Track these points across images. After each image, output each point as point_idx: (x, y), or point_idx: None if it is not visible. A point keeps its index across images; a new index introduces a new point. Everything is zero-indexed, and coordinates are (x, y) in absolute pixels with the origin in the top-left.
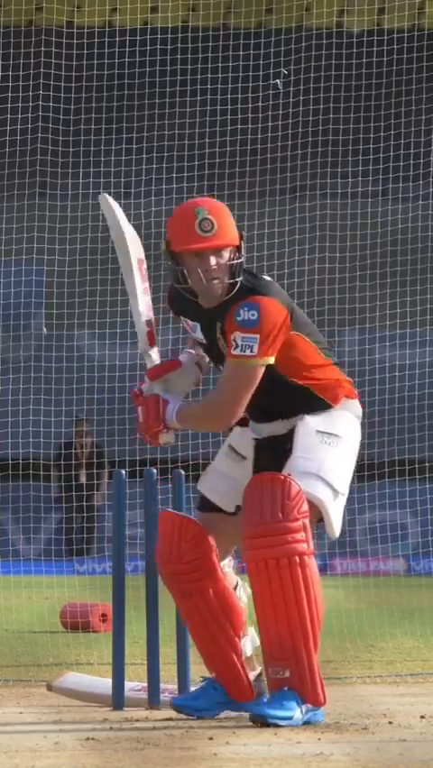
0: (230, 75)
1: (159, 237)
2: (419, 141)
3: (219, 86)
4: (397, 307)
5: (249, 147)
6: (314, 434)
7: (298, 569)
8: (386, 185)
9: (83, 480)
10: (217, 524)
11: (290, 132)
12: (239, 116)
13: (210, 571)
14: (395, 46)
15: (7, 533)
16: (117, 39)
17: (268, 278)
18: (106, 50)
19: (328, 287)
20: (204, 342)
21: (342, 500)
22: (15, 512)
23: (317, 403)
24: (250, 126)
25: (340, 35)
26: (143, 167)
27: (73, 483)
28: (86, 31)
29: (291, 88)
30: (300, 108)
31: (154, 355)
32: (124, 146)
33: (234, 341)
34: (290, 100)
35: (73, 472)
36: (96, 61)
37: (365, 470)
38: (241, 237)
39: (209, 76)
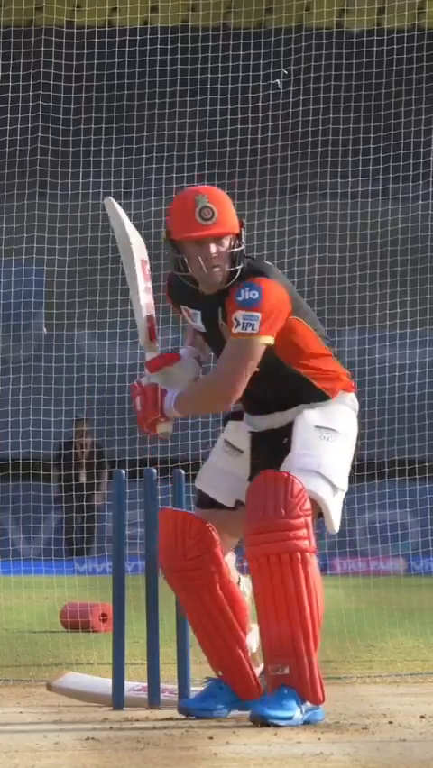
0: (230, 75)
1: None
2: (418, 141)
3: (219, 86)
4: (397, 307)
5: (249, 147)
6: (312, 429)
7: (299, 565)
8: (386, 185)
9: (83, 479)
10: (218, 520)
11: (290, 132)
12: (239, 116)
13: (216, 566)
14: (395, 46)
15: (7, 533)
16: (117, 39)
17: (268, 263)
18: (106, 50)
19: (328, 287)
20: (203, 330)
21: (341, 495)
22: (15, 512)
23: (316, 394)
24: (250, 126)
25: (340, 35)
26: (143, 167)
27: (73, 483)
28: (86, 30)
29: (291, 88)
30: (300, 108)
31: (154, 350)
32: (124, 146)
33: (236, 319)
34: (290, 100)
35: (73, 472)
36: (96, 61)
37: (365, 470)
38: (241, 225)
39: (209, 76)
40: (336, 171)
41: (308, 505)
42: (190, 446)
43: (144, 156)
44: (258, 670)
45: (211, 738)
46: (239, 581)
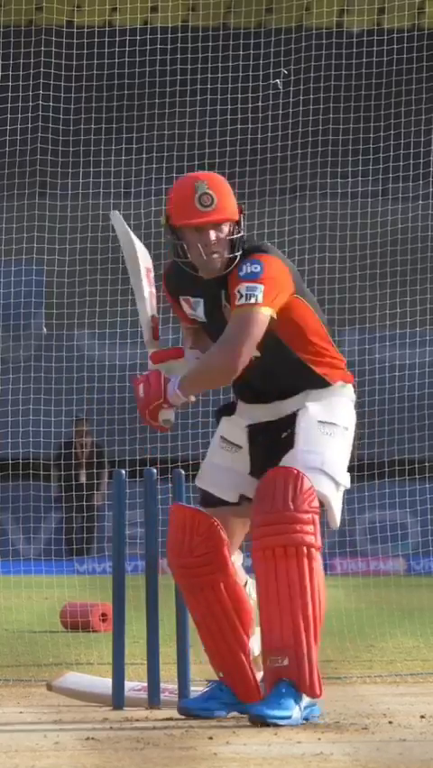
0: (230, 75)
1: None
2: (418, 141)
3: (219, 86)
4: (397, 307)
5: (249, 147)
6: (315, 425)
7: (304, 559)
8: (386, 185)
9: (83, 479)
10: (223, 517)
11: (290, 132)
12: (239, 116)
13: (222, 565)
14: (395, 46)
15: (7, 533)
16: (117, 39)
17: (269, 244)
18: (106, 50)
19: (328, 287)
20: (204, 320)
21: (342, 491)
22: (15, 512)
23: (316, 380)
24: (250, 126)
25: (340, 35)
26: (143, 167)
27: (73, 483)
28: (86, 30)
29: (291, 88)
30: (300, 108)
31: (157, 347)
32: (124, 146)
33: (239, 292)
34: (290, 100)
35: (73, 472)
36: (96, 61)
37: (365, 470)
38: (240, 211)
39: (209, 76)
40: (336, 171)
41: (316, 503)
42: (190, 446)
43: (144, 156)
44: (259, 675)
45: (211, 738)
46: (246, 584)
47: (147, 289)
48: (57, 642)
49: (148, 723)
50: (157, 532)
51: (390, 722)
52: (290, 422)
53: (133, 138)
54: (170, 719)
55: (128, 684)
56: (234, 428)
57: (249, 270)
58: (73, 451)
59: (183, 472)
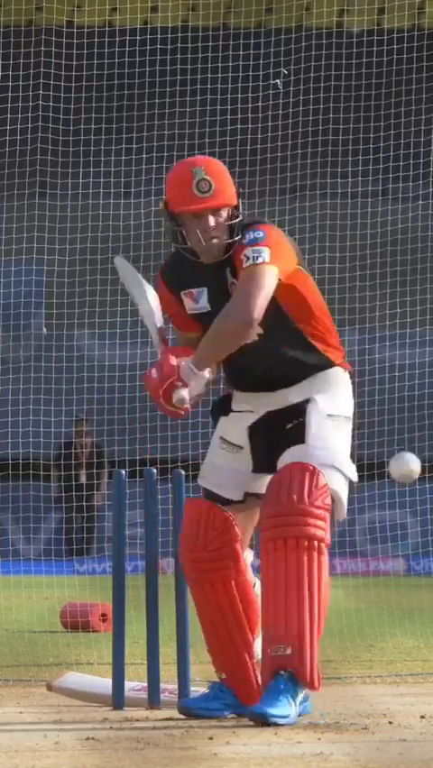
0: (230, 75)
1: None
2: (418, 141)
3: (219, 86)
4: (397, 307)
5: (249, 147)
6: (325, 418)
7: (315, 553)
8: (386, 185)
9: (83, 480)
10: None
11: (290, 132)
12: (239, 116)
13: (234, 561)
14: (395, 46)
15: (7, 533)
16: (117, 39)
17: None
18: (106, 50)
19: (328, 287)
20: (207, 311)
21: (348, 483)
22: (15, 512)
23: (319, 359)
24: (250, 126)
25: (340, 35)
26: (143, 167)
27: (73, 483)
28: (86, 30)
29: (291, 88)
30: (300, 108)
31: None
32: (124, 146)
33: (245, 256)
34: (290, 100)
35: (73, 472)
36: (96, 61)
37: (365, 471)
38: (238, 195)
39: (209, 76)
40: (336, 171)
41: (329, 500)
42: (190, 446)
43: (144, 156)
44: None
45: (211, 738)
46: (254, 585)
47: (159, 320)
48: (57, 642)
49: (148, 723)
50: (157, 532)
51: (390, 722)
52: (295, 413)
53: (133, 138)
54: (170, 719)
55: (128, 684)
56: (234, 428)
57: (253, 236)
58: (73, 451)
59: (183, 472)
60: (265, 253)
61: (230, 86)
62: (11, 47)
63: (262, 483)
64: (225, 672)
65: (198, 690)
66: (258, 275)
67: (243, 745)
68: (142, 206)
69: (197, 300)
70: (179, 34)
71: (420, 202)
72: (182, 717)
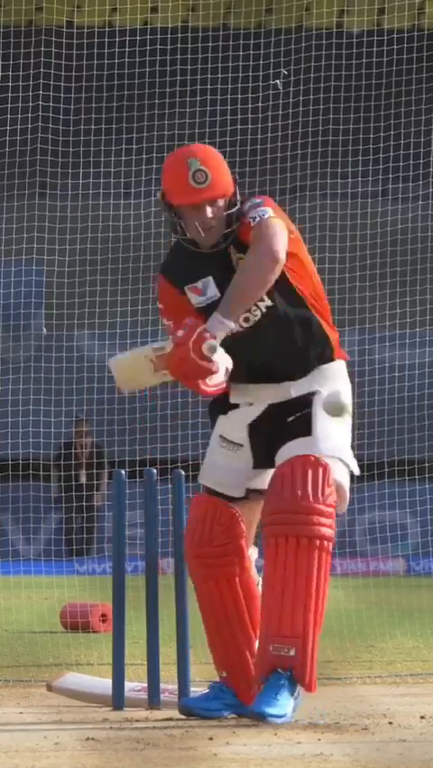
0: (230, 75)
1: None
2: (418, 142)
3: (219, 86)
4: (397, 307)
5: (249, 147)
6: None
7: (322, 552)
8: (386, 185)
9: (83, 480)
10: None
11: (289, 132)
12: (239, 116)
13: (239, 557)
14: (395, 46)
15: (7, 533)
16: (117, 39)
17: None
18: (106, 50)
19: (328, 287)
20: (216, 299)
21: (350, 475)
22: (15, 512)
23: (324, 345)
24: (250, 126)
25: (340, 35)
26: (143, 167)
27: (73, 483)
28: (86, 31)
29: (291, 88)
30: (300, 108)
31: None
32: (124, 146)
33: (251, 218)
34: (290, 100)
35: (73, 472)
36: (96, 61)
37: (365, 471)
38: (235, 182)
39: (209, 76)
40: (336, 171)
41: (335, 496)
42: (190, 446)
43: (144, 156)
44: None
45: (211, 738)
46: (258, 583)
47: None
48: (57, 642)
49: (148, 723)
50: (157, 532)
51: (390, 722)
52: (298, 405)
53: (133, 138)
54: (170, 720)
55: (128, 685)
56: (234, 426)
57: (253, 203)
58: (73, 451)
59: (183, 473)
60: (270, 211)
61: (230, 86)
62: (11, 47)
63: (264, 479)
64: (226, 670)
65: (197, 690)
66: (269, 225)
67: (243, 745)
68: (142, 206)
69: (204, 292)
70: (179, 35)
71: (420, 202)
72: (182, 717)
